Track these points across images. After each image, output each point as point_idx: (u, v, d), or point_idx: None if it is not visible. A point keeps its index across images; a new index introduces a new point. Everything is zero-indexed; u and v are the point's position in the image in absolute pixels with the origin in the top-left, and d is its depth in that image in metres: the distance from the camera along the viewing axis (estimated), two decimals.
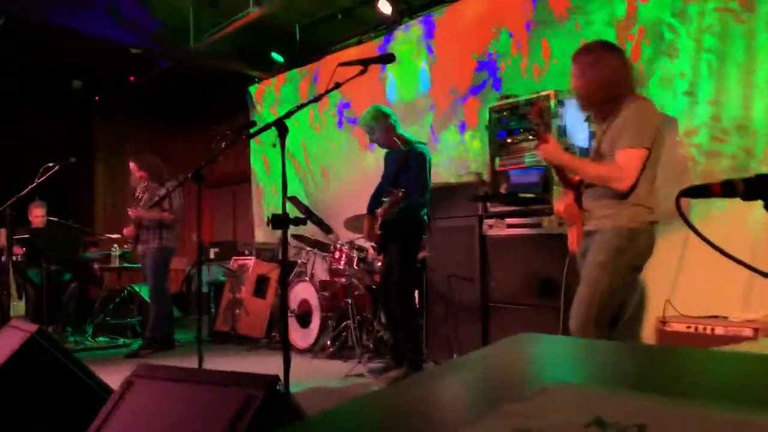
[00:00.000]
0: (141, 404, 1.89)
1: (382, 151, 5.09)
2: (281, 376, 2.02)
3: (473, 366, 1.07)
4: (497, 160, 4.75)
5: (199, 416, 1.77)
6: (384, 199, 4.47)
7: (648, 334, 4.22)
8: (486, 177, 4.93)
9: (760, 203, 1.05)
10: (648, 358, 1.11)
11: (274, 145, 8.23)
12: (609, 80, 2.97)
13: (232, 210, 10.69)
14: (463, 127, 5.97)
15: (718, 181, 1.08)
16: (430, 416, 0.87)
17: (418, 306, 5.20)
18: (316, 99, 2.91)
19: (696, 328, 3.78)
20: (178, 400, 1.83)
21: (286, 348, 2.46)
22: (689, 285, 4.16)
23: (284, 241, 2.58)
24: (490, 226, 4.74)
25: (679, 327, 3.87)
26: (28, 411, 2.91)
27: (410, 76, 6.50)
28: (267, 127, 2.86)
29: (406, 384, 1.17)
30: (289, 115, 2.73)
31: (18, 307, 6.27)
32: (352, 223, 5.63)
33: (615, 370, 0.99)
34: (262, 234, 8.68)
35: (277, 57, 7.91)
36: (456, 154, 6.02)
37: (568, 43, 4.91)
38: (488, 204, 4.78)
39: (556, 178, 3.42)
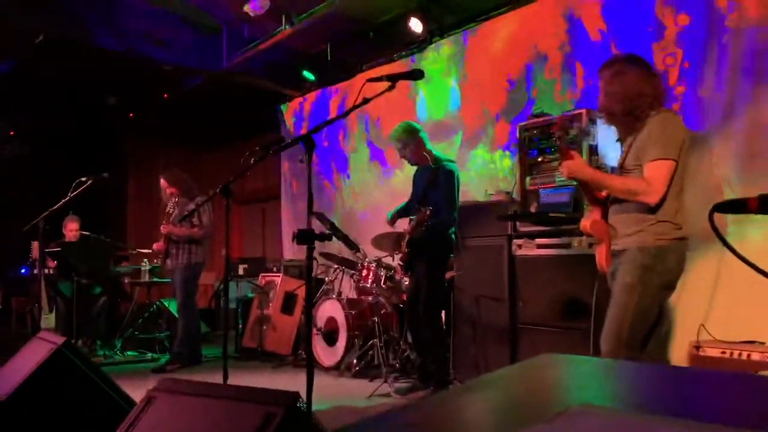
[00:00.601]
0: (161, 418, 1.88)
1: (411, 170, 5.08)
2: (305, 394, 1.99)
3: (498, 385, 1.04)
4: (527, 179, 4.70)
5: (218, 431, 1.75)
6: (411, 217, 4.45)
7: (680, 358, 4.10)
8: (516, 196, 4.88)
9: None
10: (678, 381, 1.06)
11: (302, 161, 8.27)
12: (631, 93, 2.93)
13: (261, 226, 10.75)
14: (493, 146, 5.93)
15: (757, 195, 1.04)
16: None
17: (445, 326, 5.15)
18: (344, 114, 2.91)
19: (731, 354, 3.66)
20: (199, 415, 1.81)
21: (309, 365, 2.43)
22: (724, 308, 4.04)
23: (309, 257, 2.57)
24: (520, 246, 4.67)
25: (714, 352, 3.75)
26: (52, 421, 2.93)
27: (440, 94, 6.49)
28: (294, 142, 2.86)
29: (430, 401, 1.13)
30: (316, 130, 2.73)
31: (48, 319, 6.35)
32: (380, 242, 5.60)
33: (643, 393, 0.94)
34: (291, 251, 8.70)
35: (308, 75, 7.97)
36: (485, 173, 5.98)
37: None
38: (518, 223, 4.72)
39: (582, 195, 3.36)
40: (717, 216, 1.26)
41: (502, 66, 5.87)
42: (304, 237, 2.49)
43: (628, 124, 3.00)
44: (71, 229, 7.21)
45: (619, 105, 2.96)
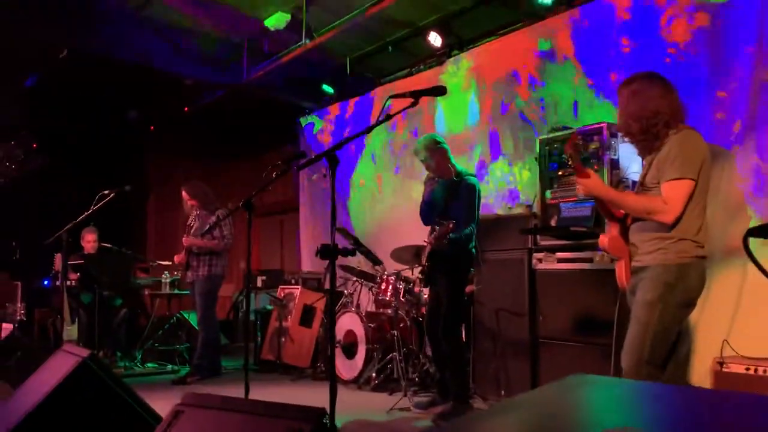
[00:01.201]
0: None
1: None
2: (327, 408, 2.00)
3: (527, 408, 1.04)
4: (548, 193, 4.69)
5: None
6: (435, 229, 4.44)
7: (704, 374, 4.05)
8: (536, 209, 4.87)
9: None
10: (705, 404, 1.06)
11: (325, 176, 8.32)
12: (647, 112, 2.93)
13: (279, 238, 10.79)
14: (513, 159, 5.93)
15: None
16: None
17: (465, 340, 5.14)
18: (368, 130, 2.93)
19: (756, 370, 3.63)
20: (226, 430, 1.83)
21: (332, 380, 2.44)
22: (748, 324, 4.00)
23: (332, 272, 2.58)
24: (540, 260, 4.66)
25: (738, 368, 3.72)
26: None
27: (459, 108, 6.50)
28: (318, 158, 2.89)
29: (458, 424, 1.14)
30: (339, 146, 2.75)
31: (71, 331, 6.41)
32: (399, 254, 5.62)
33: (674, 416, 0.94)
34: (309, 263, 8.73)
35: (327, 89, 8.03)
36: (505, 186, 5.98)
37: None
38: (538, 237, 4.72)
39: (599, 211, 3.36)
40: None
41: (521, 78, 5.87)
42: (328, 252, 2.51)
43: (647, 143, 3.00)
44: (89, 240, 7.28)
45: (636, 124, 2.97)
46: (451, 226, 4.28)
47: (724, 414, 0.97)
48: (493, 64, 6.19)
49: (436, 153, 4.73)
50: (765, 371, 3.59)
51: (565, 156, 3.36)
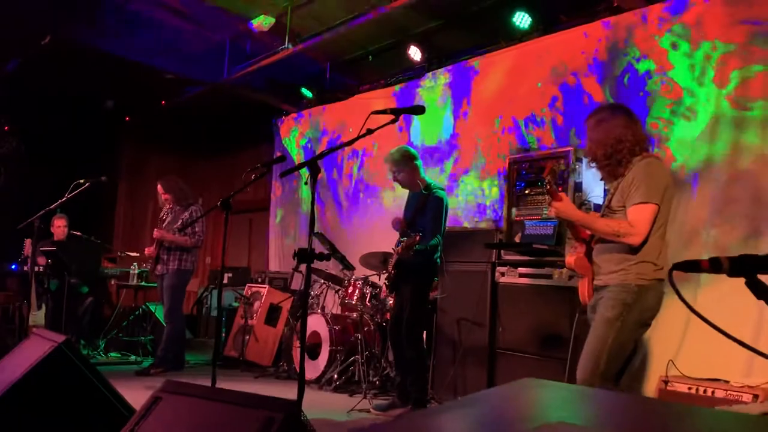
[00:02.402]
0: (167, 419, 2.02)
1: (401, 191, 5.25)
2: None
3: (480, 403, 1.20)
4: (514, 210, 4.90)
5: None
6: (402, 240, 4.64)
7: (650, 391, 4.29)
8: (502, 225, 5.07)
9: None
10: (644, 409, 1.23)
11: (306, 183, 8.44)
12: (613, 138, 3.13)
13: (247, 237, 10.84)
14: (483, 175, 6.12)
15: (708, 257, 1.22)
16: None
17: (426, 346, 5.30)
18: (349, 143, 3.07)
19: (697, 390, 3.86)
20: (202, 417, 1.96)
21: (301, 376, 2.58)
22: (694, 347, 4.23)
23: (308, 276, 2.72)
24: (503, 274, 4.86)
25: (681, 387, 3.95)
26: (48, 420, 3.00)
27: (434, 122, 6.69)
28: (300, 166, 3.02)
29: (414, 417, 1.29)
30: (321, 156, 2.89)
31: (37, 317, 6.42)
32: (368, 260, 5.76)
33: (611, 417, 1.11)
34: (276, 263, 8.83)
35: (306, 93, 8.16)
36: (473, 200, 6.17)
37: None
38: (502, 252, 4.91)
39: (568, 232, 3.56)
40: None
41: (497, 100, 6.07)
42: (305, 256, 2.64)
43: (611, 168, 3.20)
44: (59, 225, 7.24)
45: (600, 150, 3.17)
46: (417, 238, 4.47)
47: (656, 417, 1.14)
48: (468, 82, 6.38)
49: (404, 166, 4.90)
50: (705, 391, 3.82)
51: (542, 180, 3.56)
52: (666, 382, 4.03)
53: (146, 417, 2.05)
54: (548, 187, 3.17)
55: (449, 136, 6.54)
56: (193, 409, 1.99)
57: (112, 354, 7.01)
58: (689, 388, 3.91)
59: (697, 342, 4.20)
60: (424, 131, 6.82)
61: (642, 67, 4.92)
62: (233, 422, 1.89)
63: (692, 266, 1.23)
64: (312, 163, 2.76)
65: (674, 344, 4.31)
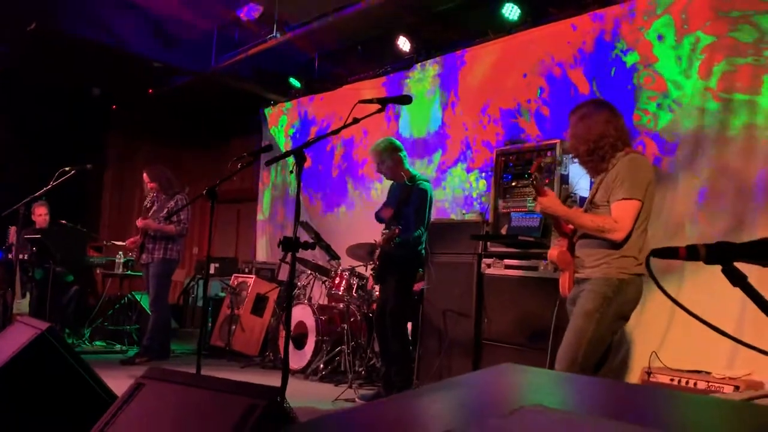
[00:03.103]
0: (149, 404, 2.02)
1: (388, 182, 5.26)
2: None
3: (460, 386, 1.21)
4: (500, 202, 4.91)
5: (203, 419, 1.89)
6: (385, 231, 4.66)
7: (633, 382, 4.33)
8: (489, 217, 5.08)
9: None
10: (626, 394, 1.24)
11: (292, 172, 8.42)
12: (594, 135, 3.15)
13: (235, 227, 10.82)
14: (470, 167, 6.14)
15: (686, 245, 1.23)
16: (415, 425, 1.00)
17: (411, 337, 5.32)
18: (334, 132, 3.07)
19: (679, 381, 3.89)
20: (186, 403, 1.96)
21: (286, 365, 2.58)
22: (677, 338, 4.27)
23: (293, 264, 2.72)
24: (489, 265, 4.87)
25: (664, 379, 3.98)
26: (31, 407, 3.00)
27: (423, 113, 6.69)
28: (286, 155, 3.02)
29: (393, 399, 1.30)
30: (308, 144, 2.89)
31: (21, 305, 6.38)
32: (354, 251, 5.76)
33: (589, 401, 1.12)
34: (263, 253, 8.82)
35: (294, 82, 8.13)
36: (461, 193, 6.19)
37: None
38: (488, 243, 4.93)
39: (552, 226, 3.58)
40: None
41: (486, 89, 6.08)
42: (290, 244, 2.64)
43: (594, 164, 3.22)
44: (40, 213, 7.17)
45: (583, 146, 3.20)
46: (397, 231, 4.50)
47: (634, 400, 1.14)
48: (456, 73, 6.39)
49: (389, 158, 4.90)
50: (687, 382, 3.85)
51: (529, 175, 3.58)
52: (649, 374, 4.07)
53: (128, 403, 2.05)
54: (534, 182, 3.19)
55: (437, 128, 6.55)
56: (176, 396, 1.99)
57: (98, 343, 6.99)
58: (671, 380, 3.94)
59: (681, 334, 4.24)
60: (412, 123, 6.82)
61: (629, 59, 4.94)
62: (216, 408, 1.89)
63: (670, 253, 1.24)
64: (298, 152, 2.75)
65: (658, 336, 4.35)
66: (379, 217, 5.06)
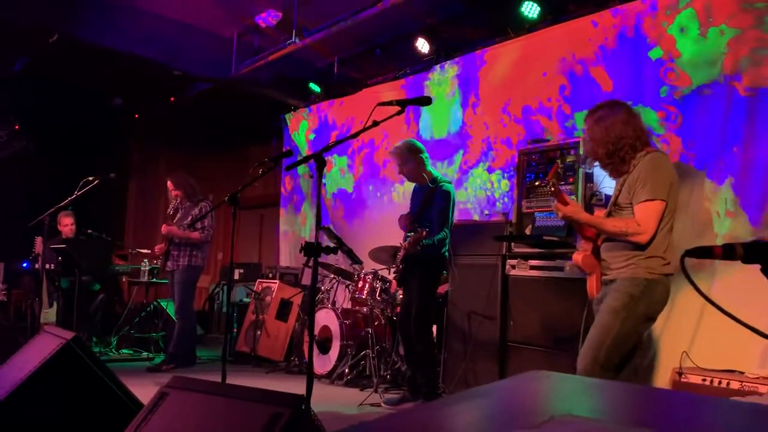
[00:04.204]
0: (173, 414, 2.00)
1: (409, 185, 5.23)
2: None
3: (488, 395, 1.17)
4: (523, 202, 4.86)
5: (228, 429, 1.88)
6: (409, 234, 4.62)
7: (663, 384, 4.25)
8: (512, 217, 5.03)
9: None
10: (655, 399, 1.20)
11: (310, 176, 8.44)
12: (613, 136, 3.10)
13: (258, 232, 10.86)
14: (492, 167, 6.08)
15: (722, 244, 1.19)
16: None
17: (436, 340, 5.28)
18: (354, 135, 3.05)
19: (711, 381, 3.81)
20: (209, 412, 1.94)
21: (310, 369, 2.56)
22: (708, 338, 4.18)
23: (315, 269, 2.70)
24: (513, 267, 4.82)
25: (695, 379, 3.90)
26: (58, 417, 3.02)
27: (443, 114, 6.65)
28: (306, 159, 3.00)
29: (420, 409, 1.27)
30: (327, 148, 2.87)
31: (48, 314, 6.44)
32: (377, 254, 5.74)
33: (620, 408, 1.08)
34: (287, 258, 8.83)
35: (314, 87, 8.13)
36: (483, 194, 6.13)
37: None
38: (513, 244, 4.87)
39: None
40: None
41: (505, 91, 6.02)
42: (312, 249, 2.62)
43: (614, 166, 3.17)
44: (66, 224, 7.27)
45: (601, 149, 3.15)
46: (424, 233, 4.46)
47: (671, 408, 1.11)
48: (476, 73, 6.34)
49: (410, 160, 4.87)
50: (720, 382, 3.77)
51: (548, 183, 3.53)
52: (680, 374, 3.99)
53: (153, 413, 2.04)
54: (552, 189, 3.15)
55: (458, 129, 6.50)
56: (200, 405, 1.98)
57: (124, 351, 7.03)
58: (703, 380, 3.86)
59: (712, 333, 4.15)
60: (433, 124, 6.79)
61: (652, 55, 4.85)
62: (240, 418, 1.87)
63: (705, 252, 1.20)
64: (318, 156, 2.74)
65: (688, 335, 4.27)
66: (402, 225, 5.04)
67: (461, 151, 6.42)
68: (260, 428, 1.79)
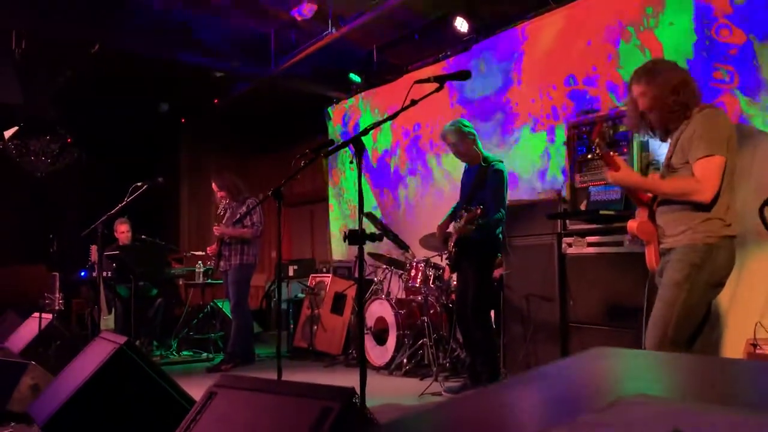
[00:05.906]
0: (223, 413, 1.95)
1: (456, 171, 5.10)
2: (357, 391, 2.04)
3: (551, 376, 1.06)
4: (576, 176, 4.67)
5: (278, 426, 1.81)
6: (463, 213, 4.47)
7: (737, 356, 4.02)
8: (565, 194, 4.85)
9: None
10: (731, 372, 1.07)
11: (352, 162, 8.38)
12: (677, 82, 2.93)
13: (310, 228, 10.88)
14: (540, 144, 5.91)
15: None
16: (506, 424, 0.86)
17: (495, 325, 5.15)
18: (392, 116, 2.95)
19: None
20: (258, 410, 1.88)
21: (362, 362, 2.48)
22: None
23: (360, 257, 2.62)
24: (570, 245, 4.65)
25: None
26: (115, 419, 3.04)
27: (487, 93, 6.48)
28: (344, 144, 2.92)
29: (483, 392, 1.16)
30: (365, 132, 2.78)
31: (108, 321, 6.55)
32: (428, 241, 5.64)
33: (695, 384, 0.96)
34: (339, 252, 8.80)
35: (354, 78, 8.05)
36: (532, 170, 5.96)
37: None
38: (567, 222, 4.70)
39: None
40: None
41: (550, 63, 5.83)
42: (356, 237, 2.54)
43: (667, 123, 2.98)
44: (122, 231, 7.39)
45: (671, 96, 2.93)
46: (478, 211, 4.31)
47: (750, 380, 0.98)
48: (519, 48, 6.16)
49: (462, 140, 4.74)
50: None
51: (592, 143, 3.33)
52: (755, 345, 3.76)
53: (202, 413, 1.98)
54: (598, 151, 2.97)
55: (502, 106, 6.33)
56: (248, 402, 1.92)
57: (185, 352, 7.10)
58: None
59: None
60: (477, 104, 6.63)
61: (704, 12, 4.61)
62: (289, 414, 1.80)
63: None
64: (356, 141, 2.65)
65: (761, 305, 4.04)
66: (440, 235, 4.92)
67: (507, 128, 6.25)
68: (310, 423, 1.71)
